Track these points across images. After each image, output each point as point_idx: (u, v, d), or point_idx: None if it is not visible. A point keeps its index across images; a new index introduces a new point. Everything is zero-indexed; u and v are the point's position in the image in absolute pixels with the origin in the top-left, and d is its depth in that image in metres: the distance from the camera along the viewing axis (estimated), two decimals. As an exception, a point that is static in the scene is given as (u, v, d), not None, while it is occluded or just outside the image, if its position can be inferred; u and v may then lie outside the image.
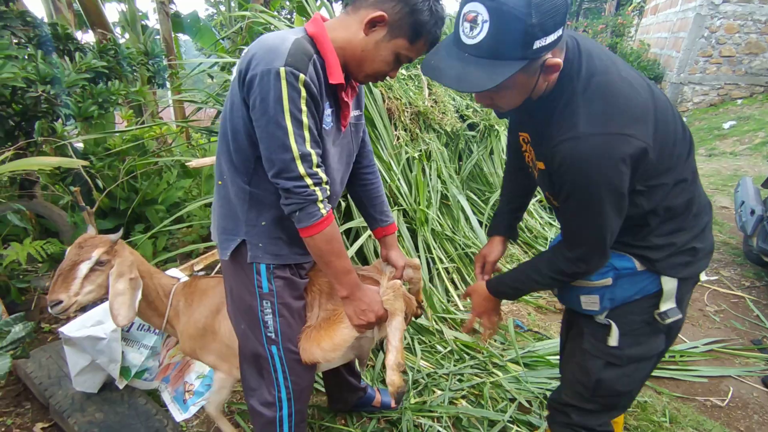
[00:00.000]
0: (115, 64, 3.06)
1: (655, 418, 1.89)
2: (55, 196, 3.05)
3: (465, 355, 2.25)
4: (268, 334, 1.25)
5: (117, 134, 3.18)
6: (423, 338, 2.34)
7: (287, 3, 5.64)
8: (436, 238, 2.76)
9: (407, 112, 2.75)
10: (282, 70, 0.94)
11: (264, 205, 1.14)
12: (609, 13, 17.90)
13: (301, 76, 0.96)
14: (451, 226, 2.91)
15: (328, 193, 1.08)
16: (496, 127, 3.35)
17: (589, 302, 1.15)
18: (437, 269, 2.68)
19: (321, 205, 1.05)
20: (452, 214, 2.95)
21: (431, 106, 2.89)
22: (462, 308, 2.63)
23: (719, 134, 7.31)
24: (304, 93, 0.97)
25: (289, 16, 5.19)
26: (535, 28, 0.83)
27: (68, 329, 1.60)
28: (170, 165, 3.37)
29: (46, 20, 3.22)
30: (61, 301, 1.22)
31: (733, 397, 2.05)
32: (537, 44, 0.85)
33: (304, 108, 0.98)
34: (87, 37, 6.08)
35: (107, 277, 1.30)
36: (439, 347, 2.30)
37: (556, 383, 2.07)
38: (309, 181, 1.02)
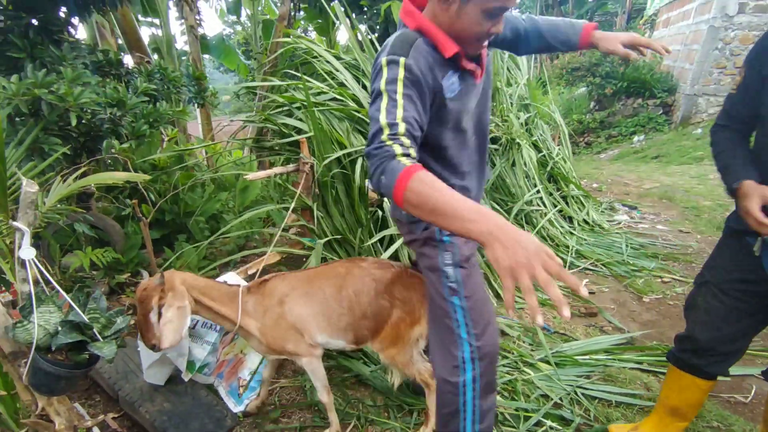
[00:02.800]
0: (162, 86, 3.32)
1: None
2: (107, 208, 3.28)
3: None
4: (450, 284, 1.33)
5: (163, 152, 3.42)
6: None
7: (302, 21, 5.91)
8: (464, 245, 2.91)
9: (436, 127, 2.93)
10: (383, 59, 1.13)
11: None
12: (620, 26, 18.06)
13: (401, 59, 1.10)
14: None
15: (411, 152, 1.02)
16: (518, 140, 3.52)
17: None
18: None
19: (402, 158, 0.99)
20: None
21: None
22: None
23: (736, 144, 7.36)
24: (402, 74, 1.09)
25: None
26: None
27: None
28: (210, 179, 3.59)
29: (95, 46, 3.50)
30: (155, 346, 1.55)
31: (755, 394, 2.14)
32: None
33: (400, 88, 1.08)
34: (125, 60, 6.45)
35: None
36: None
37: (584, 381, 2.19)
38: (389, 142, 1.02)
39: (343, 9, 3.10)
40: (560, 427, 1.94)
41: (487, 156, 1.46)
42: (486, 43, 1.23)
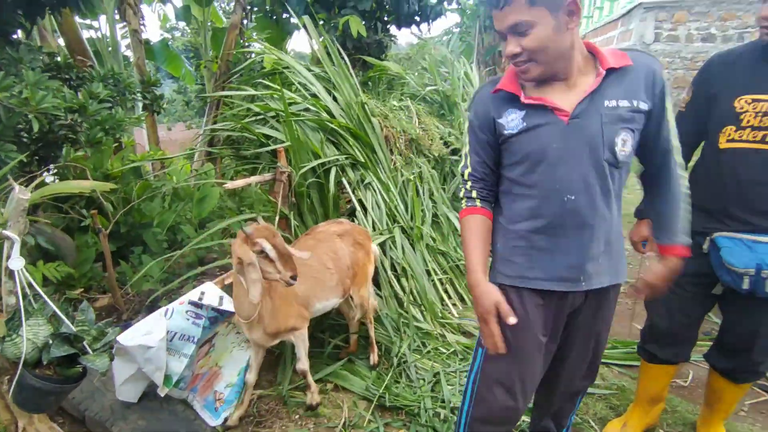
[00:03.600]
0: (116, 92, 3.18)
1: (632, 398, 2.21)
2: (55, 219, 3.07)
3: (467, 355, 2.51)
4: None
5: (115, 160, 3.26)
6: (427, 342, 2.58)
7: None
8: (430, 252, 3.04)
9: (402, 139, 3.05)
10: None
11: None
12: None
13: (470, 113, 1.29)
14: (441, 241, 3.20)
15: (473, 194, 1.30)
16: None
17: None
18: (432, 280, 2.94)
19: (462, 203, 1.33)
20: (442, 230, 3.25)
21: (421, 133, 3.21)
22: (456, 315, 2.90)
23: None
24: (467, 125, 1.31)
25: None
26: None
27: (122, 339, 1.71)
28: (165, 188, 3.46)
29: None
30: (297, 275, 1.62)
31: (693, 378, 2.42)
32: None
33: (466, 139, 1.32)
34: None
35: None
36: (441, 349, 2.54)
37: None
38: (462, 189, 1.34)
39: (311, 21, 3.15)
40: (527, 419, 2.08)
41: (607, 220, 1.20)
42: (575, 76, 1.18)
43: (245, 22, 6.28)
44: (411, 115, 3.30)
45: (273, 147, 2.32)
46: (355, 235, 2.21)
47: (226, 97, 2.87)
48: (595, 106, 1.15)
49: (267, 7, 6.22)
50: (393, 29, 5.98)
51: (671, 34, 9.52)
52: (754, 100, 1.44)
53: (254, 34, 6.90)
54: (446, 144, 3.51)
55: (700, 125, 1.58)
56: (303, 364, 2.03)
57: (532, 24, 1.07)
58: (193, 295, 1.98)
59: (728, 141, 1.51)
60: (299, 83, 2.71)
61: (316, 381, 2.32)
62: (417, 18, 5.83)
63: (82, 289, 2.79)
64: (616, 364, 2.51)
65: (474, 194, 1.30)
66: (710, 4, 9.27)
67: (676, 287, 1.68)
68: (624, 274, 1.30)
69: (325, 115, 2.65)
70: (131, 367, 1.80)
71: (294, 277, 1.64)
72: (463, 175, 1.33)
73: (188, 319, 1.93)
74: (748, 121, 1.46)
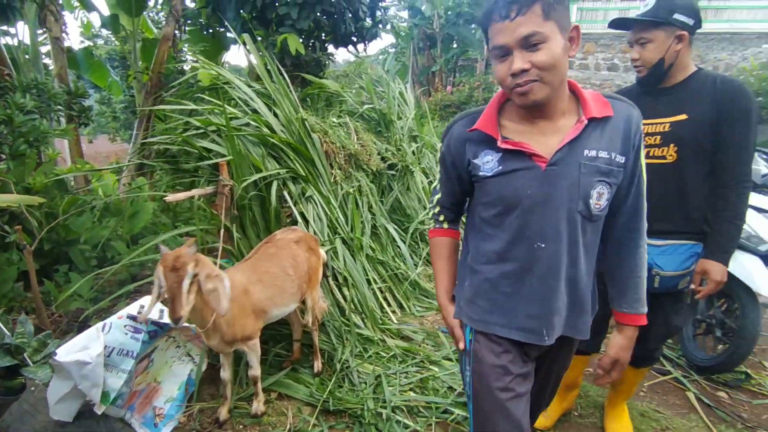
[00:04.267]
0: (41, 103, 3.05)
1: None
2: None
3: (406, 357, 2.65)
4: (465, 389, 1.29)
5: (37, 173, 3.09)
6: (369, 347, 2.70)
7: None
8: (370, 262, 3.18)
9: (341, 154, 3.19)
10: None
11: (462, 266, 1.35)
12: (480, 72, 20.70)
13: (442, 146, 1.28)
14: (380, 251, 3.35)
15: (441, 218, 1.37)
16: (412, 167, 3.95)
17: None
18: (372, 289, 3.07)
19: (431, 223, 1.42)
20: (381, 241, 3.40)
21: (360, 149, 3.37)
22: (395, 321, 3.05)
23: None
24: (438, 155, 1.37)
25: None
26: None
27: (58, 354, 1.66)
28: (95, 203, 3.32)
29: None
30: (181, 317, 1.53)
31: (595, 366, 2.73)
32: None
33: (438, 168, 1.40)
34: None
35: (198, 284, 1.59)
36: (382, 353, 2.67)
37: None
38: (432, 211, 1.42)
39: (251, 38, 3.22)
40: (464, 413, 2.26)
41: (581, 293, 1.18)
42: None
43: (178, 34, 6.17)
44: (350, 131, 3.45)
45: (215, 161, 2.35)
46: (308, 240, 2.34)
47: (166, 110, 2.84)
48: (574, 154, 1.09)
49: (202, 20, 6.16)
50: (331, 48, 6.17)
51: (583, 63, 10.57)
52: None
53: (186, 46, 6.78)
54: (383, 159, 3.69)
55: None
56: (255, 371, 2.09)
57: (546, 38, 1.00)
58: (132, 309, 1.96)
59: None
60: (240, 99, 2.77)
61: (263, 390, 2.35)
62: (354, 38, 6.07)
63: (2, 309, 2.60)
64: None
65: (442, 218, 1.37)
66: (613, 38, 10.44)
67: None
68: (586, 333, 1.23)
69: (266, 130, 2.72)
70: (67, 384, 1.74)
71: (178, 320, 1.59)
72: (432, 201, 1.39)
73: (127, 334, 1.91)
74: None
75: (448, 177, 1.28)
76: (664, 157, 1.71)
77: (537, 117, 1.13)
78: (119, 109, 12.52)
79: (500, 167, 1.14)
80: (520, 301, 1.17)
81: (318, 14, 5.17)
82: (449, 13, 20.73)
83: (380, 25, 6.09)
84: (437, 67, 21.75)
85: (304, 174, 2.85)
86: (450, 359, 2.66)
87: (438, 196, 1.37)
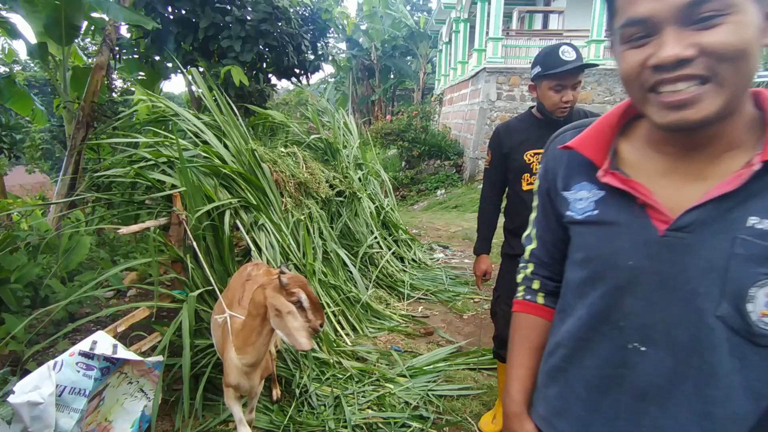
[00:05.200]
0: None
1: (499, 394, 2.66)
2: None
3: (362, 377, 2.74)
4: None
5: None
6: (325, 370, 2.76)
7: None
8: (323, 286, 3.26)
9: (291, 182, 3.29)
10: None
11: None
12: (417, 101, 21.67)
13: (540, 167, 0.92)
14: (332, 276, 3.44)
15: (535, 284, 0.92)
16: (359, 194, 4.11)
17: None
18: (326, 313, 3.15)
19: (520, 288, 0.95)
20: (332, 266, 3.50)
21: (309, 176, 3.49)
22: (349, 343, 3.13)
23: (507, 196, 9.60)
24: (537, 182, 0.92)
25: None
26: None
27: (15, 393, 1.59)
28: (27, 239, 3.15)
29: None
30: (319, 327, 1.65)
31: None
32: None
33: (534, 203, 0.94)
34: None
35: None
36: (339, 375, 2.74)
37: (432, 385, 2.71)
38: (522, 272, 0.96)
39: (195, 68, 3.27)
40: (420, 425, 2.38)
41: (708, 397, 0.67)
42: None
43: (112, 63, 6.03)
44: (298, 160, 3.57)
45: (168, 192, 2.36)
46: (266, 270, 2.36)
47: (111, 143, 2.81)
48: (726, 220, 0.64)
49: (139, 49, 6.07)
50: (273, 79, 6.30)
51: (509, 94, 11.46)
52: (536, 154, 1.95)
53: (114, 74, 6.59)
54: (332, 186, 3.83)
55: (503, 175, 2.09)
56: (254, 414, 2.13)
57: (731, 5, 0.57)
58: (84, 345, 1.91)
59: (528, 184, 1.98)
60: (189, 130, 2.80)
61: (220, 424, 2.34)
62: (296, 70, 6.24)
63: None
64: (484, 368, 2.97)
65: (536, 285, 0.92)
66: (535, 72, 11.42)
67: (510, 301, 2.11)
68: None
69: (217, 161, 2.77)
70: (15, 428, 1.66)
71: (322, 325, 1.70)
72: (524, 253, 0.96)
73: (79, 371, 1.86)
74: (536, 169, 1.91)
75: (545, 215, 0.89)
76: None
77: (684, 147, 0.68)
78: (39, 139, 11.71)
79: (595, 211, 0.76)
80: (597, 419, 0.75)
81: (261, 47, 5.30)
82: (385, 45, 21.66)
83: (322, 58, 6.33)
84: (376, 96, 22.51)
85: (255, 203, 2.91)
86: (404, 375, 2.78)
87: (531, 246, 0.93)
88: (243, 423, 1.97)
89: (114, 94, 6.01)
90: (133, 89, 6.45)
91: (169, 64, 6.26)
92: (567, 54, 1.82)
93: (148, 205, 2.57)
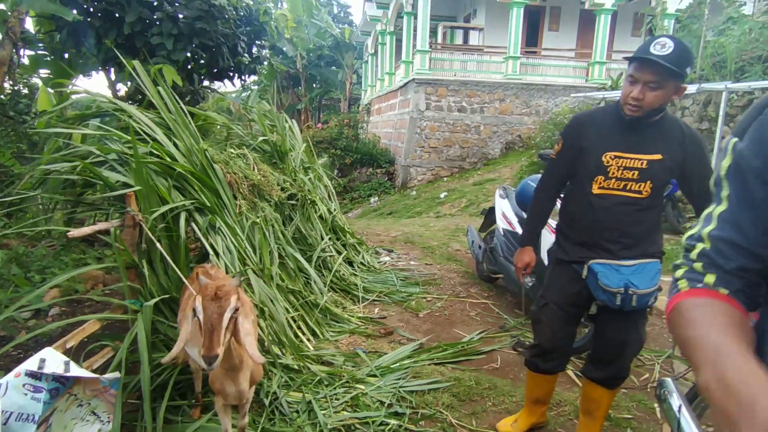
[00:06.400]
0: None
1: (467, 383, 2.74)
2: None
3: (332, 380, 2.67)
4: None
5: None
6: (293, 377, 2.65)
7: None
8: (281, 291, 3.14)
9: (245, 184, 3.15)
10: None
11: None
12: (344, 111, 21.77)
13: (739, 140, 0.74)
14: (289, 280, 3.33)
15: (707, 277, 0.74)
16: (310, 197, 4.03)
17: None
18: (286, 318, 3.03)
19: (680, 282, 0.78)
20: (288, 270, 3.39)
21: (262, 179, 3.36)
22: (312, 348, 3.04)
23: (439, 201, 9.96)
24: (726, 164, 0.76)
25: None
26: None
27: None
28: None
29: None
30: (218, 355, 1.31)
31: (501, 361, 3.12)
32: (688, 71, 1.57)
33: (724, 188, 0.76)
34: None
35: (236, 322, 1.41)
36: (307, 380, 2.65)
37: (402, 382, 2.72)
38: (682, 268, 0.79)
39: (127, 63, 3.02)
40: (398, 422, 2.37)
41: None
42: None
43: (14, 59, 5.39)
44: (248, 162, 3.43)
45: (123, 191, 2.13)
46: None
47: (47, 133, 2.48)
48: None
49: (50, 44, 5.47)
50: (206, 81, 6.00)
51: (437, 104, 11.96)
52: (616, 156, 1.78)
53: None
54: (283, 189, 3.72)
55: (570, 170, 1.93)
56: (246, 419, 1.93)
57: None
58: (31, 364, 1.67)
59: (600, 188, 1.82)
60: (138, 128, 2.57)
61: (183, 441, 2.15)
62: (231, 72, 6.00)
63: None
64: (448, 362, 3.04)
65: (711, 278, 0.74)
66: (460, 84, 12.07)
67: (559, 310, 2.01)
68: None
69: (168, 160, 2.57)
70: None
71: (208, 357, 1.35)
72: (691, 243, 0.79)
73: (26, 394, 1.62)
74: (613, 173, 1.78)
75: (746, 198, 0.71)
76: (640, 192, 1.79)
77: None
78: None
79: None
80: None
81: (194, 46, 5.03)
82: (311, 54, 21.55)
83: (258, 61, 6.16)
84: (302, 105, 22.25)
85: (209, 205, 2.75)
86: (375, 375, 2.76)
87: (710, 226, 0.76)
88: None
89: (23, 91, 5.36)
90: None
91: (83, 61, 5.71)
92: (659, 47, 1.58)
93: (87, 207, 2.31)
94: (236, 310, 1.44)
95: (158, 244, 2.14)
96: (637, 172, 1.77)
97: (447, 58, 12.49)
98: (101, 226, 1.98)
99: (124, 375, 2.09)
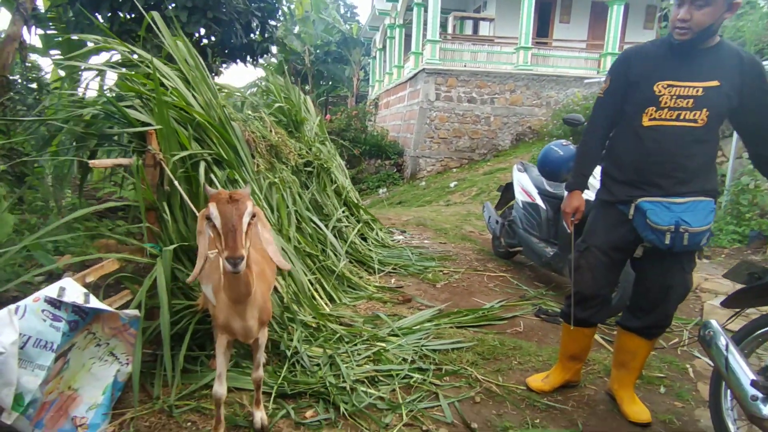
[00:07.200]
0: None
1: (491, 343, 2.66)
2: None
3: (353, 338, 2.60)
4: None
5: None
6: (314, 333, 2.58)
7: None
8: (298, 254, 3.07)
9: (263, 144, 3.08)
10: None
11: None
12: (352, 106, 21.73)
13: None
14: (306, 244, 3.26)
15: None
16: (326, 165, 3.97)
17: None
18: (301, 282, 2.97)
19: None
20: (304, 234, 3.32)
21: (280, 140, 3.30)
22: (329, 310, 2.97)
23: (449, 191, 9.87)
24: None
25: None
26: None
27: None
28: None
29: None
30: (242, 257, 1.23)
31: (524, 326, 3.03)
32: None
33: None
34: None
35: (255, 229, 1.35)
36: (327, 337, 2.58)
37: (424, 341, 2.64)
38: None
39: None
40: (422, 376, 2.29)
41: None
42: None
43: (27, 35, 5.39)
44: (266, 125, 3.36)
45: (143, 129, 2.06)
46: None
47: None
48: None
49: (61, 20, 5.46)
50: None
51: (447, 95, 11.87)
52: (669, 85, 1.69)
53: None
54: (300, 156, 3.66)
55: (617, 107, 1.84)
56: (261, 370, 1.79)
57: None
58: (50, 291, 1.61)
59: (650, 120, 1.73)
60: (160, 77, 2.51)
61: (202, 388, 2.08)
62: (243, 53, 5.96)
63: None
64: (470, 326, 2.95)
65: None
66: (470, 75, 11.98)
67: (602, 255, 1.91)
68: None
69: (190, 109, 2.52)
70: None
71: (232, 259, 1.26)
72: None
73: (45, 321, 1.56)
74: (666, 103, 1.70)
75: None
76: (695, 121, 1.70)
77: None
78: None
79: None
80: None
81: (208, 19, 4.99)
82: (318, 51, 21.54)
83: (271, 41, 6.11)
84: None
85: (228, 159, 2.68)
86: (396, 335, 2.69)
87: None
88: (221, 378, 1.69)
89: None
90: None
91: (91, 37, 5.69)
92: None
93: (108, 145, 2.24)
94: (254, 216, 1.35)
95: (178, 187, 2.07)
96: (692, 101, 1.68)
97: (457, 49, 12.41)
98: (122, 160, 1.92)
99: (143, 320, 2.03)
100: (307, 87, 22.81)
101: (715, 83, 1.66)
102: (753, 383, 1.51)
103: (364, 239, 4.54)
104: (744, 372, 1.55)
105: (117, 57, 2.80)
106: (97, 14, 4.77)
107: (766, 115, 1.69)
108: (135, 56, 2.76)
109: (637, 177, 1.80)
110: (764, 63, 4.77)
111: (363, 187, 12.05)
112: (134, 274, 2.16)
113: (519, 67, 12.02)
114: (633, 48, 1.87)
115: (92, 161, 1.75)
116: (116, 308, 1.97)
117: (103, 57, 4.05)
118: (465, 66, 12.02)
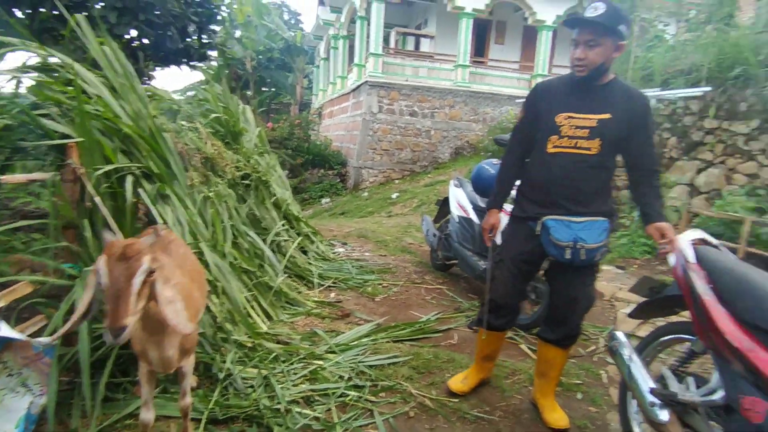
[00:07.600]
0: None
1: (426, 356, 2.74)
2: None
3: (289, 357, 2.57)
4: None
5: None
6: (248, 353, 2.53)
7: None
8: (234, 270, 2.99)
9: (197, 156, 2.99)
10: None
11: None
12: (294, 114, 21.45)
13: None
14: (242, 260, 3.19)
15: None
16: (265, 178, 3.91)
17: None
18: (236, 299, 2.89)
19: None
20: (240, 250, 3.24)
21: (215, 153, 3.21)
22: (266, 328, 2.92)
23: (391, 202, 10.02)
24: None
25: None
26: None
27: None
28: None
29: None
30: (125, 327, 1.10)
31: (458, 338, 3.15)
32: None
33: None
34: None
35: (152, 287, 1.19)
36: (262, 357, 2.53)
37: (361, 358, 2.66)
38: None
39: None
40: (357, 393, 2.32)
41: None
42: None
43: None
44: (201, 136, 3.26)
45: (63, 141, 1.93)
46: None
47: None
48: None
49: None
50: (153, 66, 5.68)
51: (390, 108, 12.09)
52: (569, 117, 1.90)
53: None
54: (237, 168, 3.58)
55: (530, 134, 2.05)
56: (189, 398, 1.73)
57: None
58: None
59: (554, 147, 1.94)
60: (84, 84, 2.36)
61: (125, 418, 1.97)
62: (179, 57, 5.74)
63: None
64: (406, 340, 3.02)
65: None
66: (412, 89, 12.30)
67: (514, 267, 2.09)
68: None
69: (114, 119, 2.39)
70: None
71: (114, 328, 1.14)
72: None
73: (-56, 354, 1.41)
74: (565, 132, 1.90)
75: None
76: (589, 149, 1.90)
77: None
78: None
79: None
80: None
81: (140, 21, 4.77)
82: (260, 57, 21.11)
83: (209, 47, 5.94)
84: (251, 108, 21.66)
85: (158, 172, 2.58)
86: (333, 352, 2.69)
87: None
88: (148, 405, 1.64)
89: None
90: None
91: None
92: (591, 10, 1.78)
93: (21, 156, 2.07)
94: (151, 273, 1.20)
95: (100, 204, 1.96)
96: (587, 131, 1.89)
97: (399, 63, 12.69)
98: (36, 175, 1.78)
99: (59, 346, 1.89)
100: (248, 93, 22.23)
101: (607, 116, 1.87)
102: (652, 391, 1.68)
103: (305, 252, 4.50)
104: (644, 380, 1.73)
105: (36, 59, 2.61)
106: (15, 10, 4.41)
107: (644, 144, 1.94)
108: (55, 59, 2.59)
109: (545, 197, 1.99)
110: (663, 93, 5.30)
111: (306, 197, 11.93)
112: (50, 296, 2.01)
113: (458, 84, 12.51)
114: (542, 83, 2.10)
115: (3, 177, 1.62)
116: (30, 334, 1.83)
117: (21, 57, 3.74)
118: (407, 80, 12.31)
